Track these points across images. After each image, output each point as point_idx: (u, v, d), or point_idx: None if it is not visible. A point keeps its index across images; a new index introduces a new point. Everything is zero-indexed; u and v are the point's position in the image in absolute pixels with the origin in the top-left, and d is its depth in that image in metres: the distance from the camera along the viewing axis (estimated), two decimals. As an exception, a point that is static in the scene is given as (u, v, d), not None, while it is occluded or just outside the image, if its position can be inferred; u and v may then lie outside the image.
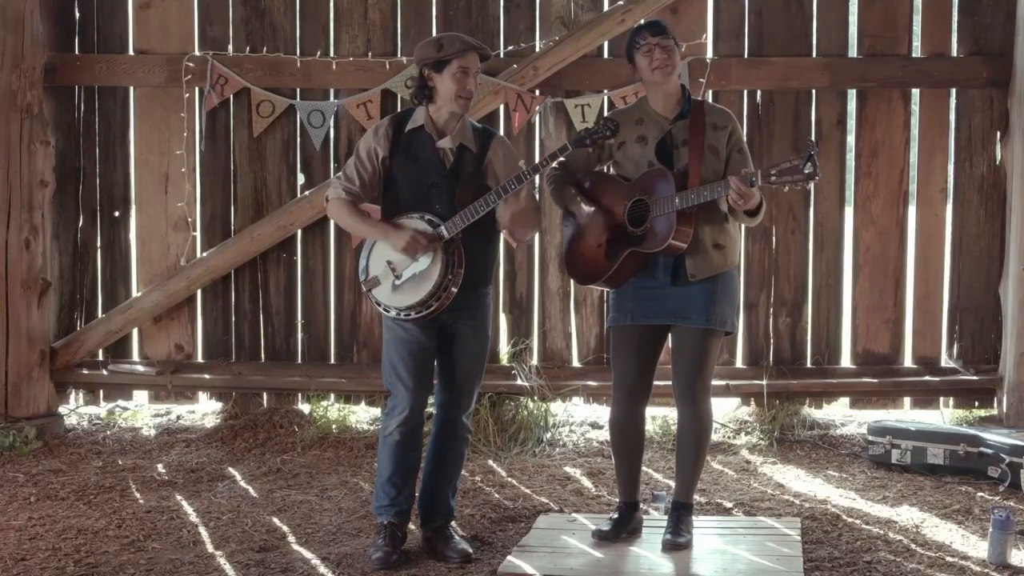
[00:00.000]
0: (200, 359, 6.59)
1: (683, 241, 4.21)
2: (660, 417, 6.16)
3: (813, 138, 6.29)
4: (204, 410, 6.62)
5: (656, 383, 4.54)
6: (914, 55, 6.35)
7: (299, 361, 6.53)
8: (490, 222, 4.35)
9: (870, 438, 5.64)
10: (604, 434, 5.94)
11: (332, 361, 6.52)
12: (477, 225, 4.27)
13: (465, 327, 4.41)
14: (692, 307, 4.29)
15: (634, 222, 4.29)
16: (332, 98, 6.35)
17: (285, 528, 4.79)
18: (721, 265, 4.30)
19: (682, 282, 4.29)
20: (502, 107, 6.31)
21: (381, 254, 4.36)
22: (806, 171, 3.93)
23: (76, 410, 6.62)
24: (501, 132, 6.34)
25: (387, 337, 4.44)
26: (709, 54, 6.26)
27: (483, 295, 4.47)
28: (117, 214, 6.60)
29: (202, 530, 4.76)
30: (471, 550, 4.37)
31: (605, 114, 6.10)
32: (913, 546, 4.49)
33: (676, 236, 4.18)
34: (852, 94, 6.32)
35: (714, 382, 5.99)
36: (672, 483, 4.68)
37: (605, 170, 4.54)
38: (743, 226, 4.50)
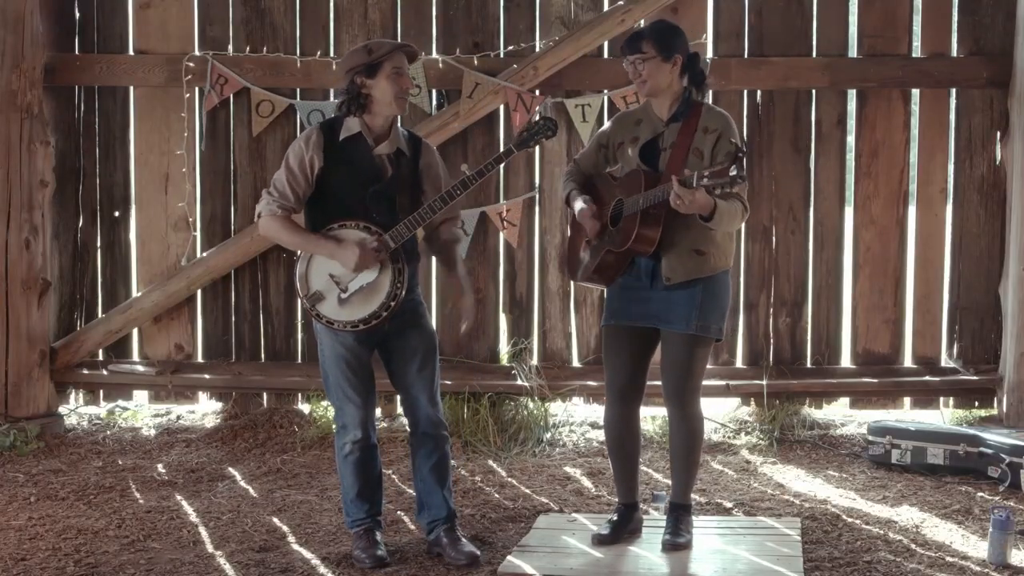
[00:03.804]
0: (200, 359, 6.59)
1: (646, 241, 4.20)
2: (659, 417, 6.16)
3: (813, 138, 6.30)
4: (204, 410, 6.62)
5: (652, 383, 4.53)
6: (914, 55, 6.35)
7: (299, 361, 6.53)
8: None
9: (870, 438, 5.64)
10: (603, 434, 5.94)
11: (332, 361, 6.52)
12: None
13: (411, 332, 4.39)
14: (675, 312, 4.28)
15: (614, 221, 4.32)
16: (332, 98, 6.33)
17: (285, 528, 4.79)
18: (698, 271, 4.26)
19: (660, 285, 4.29)
20: (502, 107, 6.30)
21: (322, 267, 4.28)
22: (731, 174, 3.92)
23: (76, 410, 6.62)
24: (501, 132, 6.37)
25: (327, 355, 4.38)
26: (709, 54, 6.25)
27: (418, 295, 4.47)
28: (117, 214, 6.60)
29: (202, 530, 4.77)
30: (479, 553, 4.35)
31: (606, 113, 6.16)
32: (913, 546, 4.49)
33: (638, 237, 4.19)
34: (852, 94, 6.32)
35: (714, 382, 6.06)
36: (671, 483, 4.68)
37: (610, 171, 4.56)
38: (734, 232, 4.47)
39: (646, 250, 4.23)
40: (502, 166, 6.32)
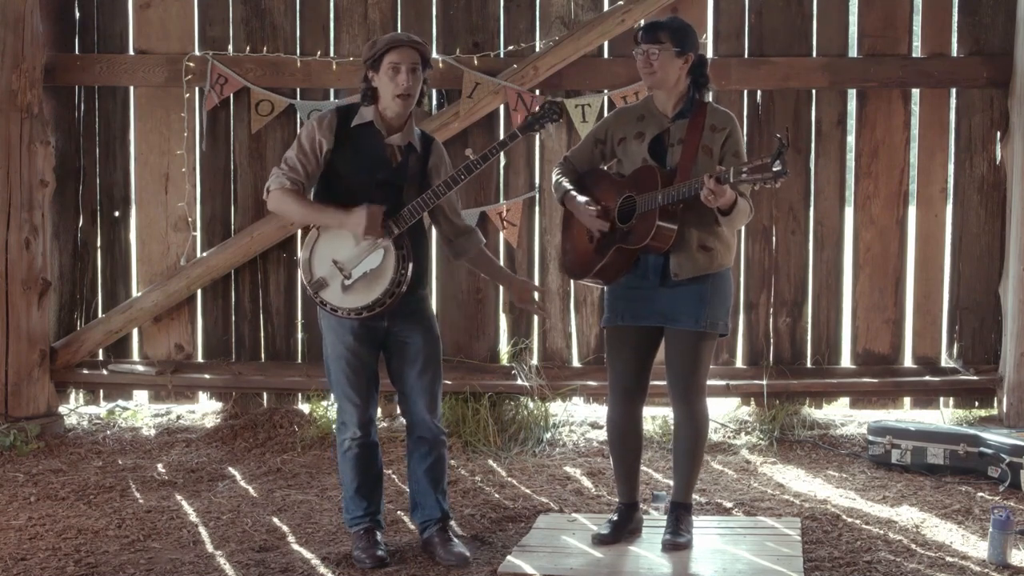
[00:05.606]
0: (200, 359, 6.59)
1: (665, 237, 4.20)
2: (660, 417, 6.17)
3: (813, 138, 6.31)
4: (204, 410, 6.62)
5: (655, 383, 4.54)
6: (914, 55, 6.35)
7: (299, 361, 6.53)
8: (420, 223, 4.34)
9: (870, 438, 5.64)
10: (604, 434, 5.93)
11: (332, 361, 6.52)
12: (412, 226, 4.27)
13: (415, 334, 4.36)
14: (682, 309, 4.28)
15: (623, 218, 4.31)
16: (332, 98, 6.34)
17: (285, 528, 4.79)
18: (706, 267, 4.27)
19: (669, 282, 4.28)
20: (502, 107, 6.30)
21: (325, 253, 4.28)
22: (775, 169, 3.90)
23: (76, 410, 6.62)
24: (501, 132, 6.37)
25: (329, 352, 4.38)
26: (709, 54, 6.25)
27: (423, 297, 4.45)
28: (117, 214, 6.60)
29: (202, 530, 4.76)
30: (469, 555, 4.33)
31: (606, 113, 6.16)
32: (913, 546, 4.49)
33: (658, 232, 4.18)
34: (852, 94, 6.32)
35: (714, 382, 6.05)
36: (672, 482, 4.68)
37: (606, 168, 4.55)
38: (736, 230, 4.48)
39: (662, 247, 4.23)
40: (502, 166, 6.38)
